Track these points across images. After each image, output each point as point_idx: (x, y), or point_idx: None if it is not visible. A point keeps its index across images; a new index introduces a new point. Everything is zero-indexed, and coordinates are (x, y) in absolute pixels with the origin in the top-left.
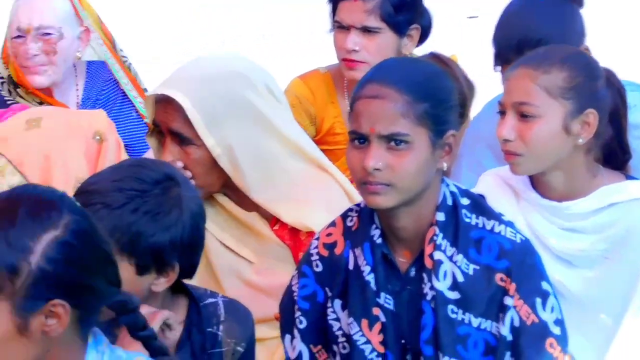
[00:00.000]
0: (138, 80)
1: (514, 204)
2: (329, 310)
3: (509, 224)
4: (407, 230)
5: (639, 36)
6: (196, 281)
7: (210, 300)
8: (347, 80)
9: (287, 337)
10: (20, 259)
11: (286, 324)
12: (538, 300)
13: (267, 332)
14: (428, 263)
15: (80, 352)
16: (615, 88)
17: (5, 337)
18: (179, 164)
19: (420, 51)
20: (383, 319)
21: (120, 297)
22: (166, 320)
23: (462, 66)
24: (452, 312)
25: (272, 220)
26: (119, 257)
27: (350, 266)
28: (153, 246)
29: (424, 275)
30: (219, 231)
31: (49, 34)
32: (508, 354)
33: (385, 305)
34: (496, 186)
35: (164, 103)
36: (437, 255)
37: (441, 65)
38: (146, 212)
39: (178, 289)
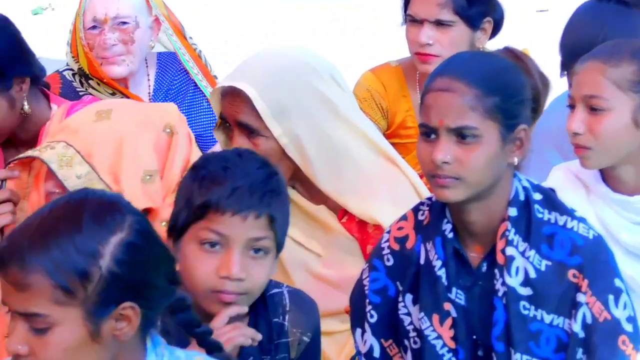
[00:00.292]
0: (209, 68)
1: (585, 198)
2: (400, 305)
3: (582, 220)
4: (479, 225)
5: None
6: None
7: (276, 290)
8: (419, 74)
9: (358, 330)
10: (90, 264)
11: (357, 318)
12: (611, 297)
13: (336, 326)
14: (500, 259)
15: (141, 354)
16: None
17: (77, 344)
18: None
19: (491, 45)
20: (454, 314)
21: (178, 294)
22: (232, 314)
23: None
24: (524, 308)
25: (340, 213)
26: None
27: (422, 260)
28: None
29: (496, 270)
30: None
31: (126, 22)
32: (580, 350)
33: (457, 300)
34: (567, 180)
35: (231, 96)
36: (509, 250)
37: (515, 59)
38: None
39: None
